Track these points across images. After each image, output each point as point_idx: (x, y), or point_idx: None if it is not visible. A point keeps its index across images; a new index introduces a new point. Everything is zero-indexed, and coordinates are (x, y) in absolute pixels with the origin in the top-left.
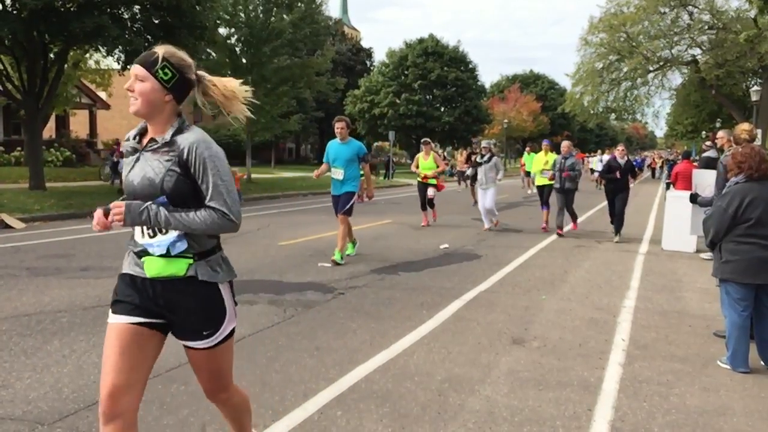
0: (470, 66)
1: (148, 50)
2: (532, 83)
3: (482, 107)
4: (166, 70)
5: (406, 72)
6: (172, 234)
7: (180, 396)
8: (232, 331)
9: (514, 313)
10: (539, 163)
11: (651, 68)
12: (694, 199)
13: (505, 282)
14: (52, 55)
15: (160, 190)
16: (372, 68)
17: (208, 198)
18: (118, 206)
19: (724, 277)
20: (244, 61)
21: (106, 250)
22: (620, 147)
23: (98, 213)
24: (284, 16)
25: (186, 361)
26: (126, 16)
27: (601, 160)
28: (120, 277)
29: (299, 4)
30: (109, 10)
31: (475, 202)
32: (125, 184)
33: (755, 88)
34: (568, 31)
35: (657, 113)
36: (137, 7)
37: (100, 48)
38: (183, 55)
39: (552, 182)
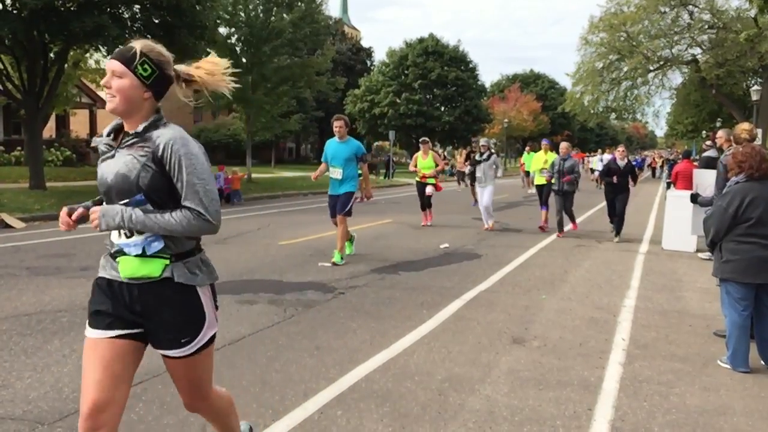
0: (470, 65)
1: (123, 45)
2: (532, 83)
3: (482, 107)
4: (146, 66)
5: (406, 71)
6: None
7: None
8: (212, 338)
9: (514, 313)
10: (538, 162)
11: (651, 68)
12: (694, 198)
13: (506, 281)
14: (52, 55)
15: (135, 187)
16: (372, 68)
17: (183, 197)
18: (93, 212)
19: (724, 277)
20: (244, 60)
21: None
22: (620, 148)
23: (63, 212)
24: (284, 15)
25: None
26: (126, 16)
27: (602, 160)
28: (95, 282)
29: (299, 4)
30: (109, 9)
31: (476, 202)
32: (99, 181)
33: (755, 87)
34: (569, 31)
35: (657, 113)
36: (137, 6)
37: (100, 47)
38: (162, 49)
39: (551, 182)
